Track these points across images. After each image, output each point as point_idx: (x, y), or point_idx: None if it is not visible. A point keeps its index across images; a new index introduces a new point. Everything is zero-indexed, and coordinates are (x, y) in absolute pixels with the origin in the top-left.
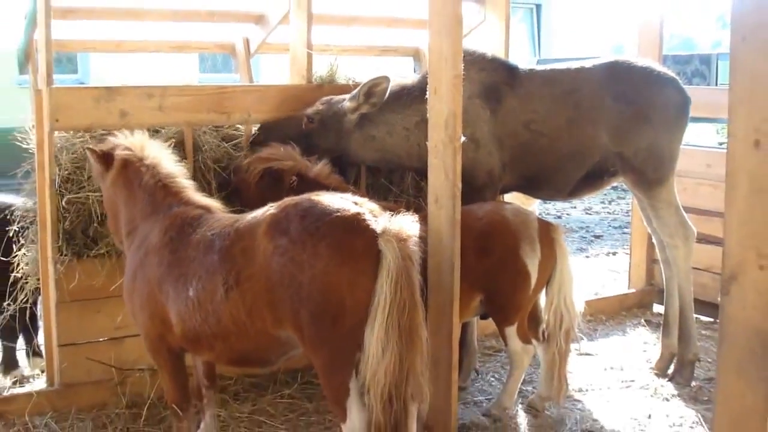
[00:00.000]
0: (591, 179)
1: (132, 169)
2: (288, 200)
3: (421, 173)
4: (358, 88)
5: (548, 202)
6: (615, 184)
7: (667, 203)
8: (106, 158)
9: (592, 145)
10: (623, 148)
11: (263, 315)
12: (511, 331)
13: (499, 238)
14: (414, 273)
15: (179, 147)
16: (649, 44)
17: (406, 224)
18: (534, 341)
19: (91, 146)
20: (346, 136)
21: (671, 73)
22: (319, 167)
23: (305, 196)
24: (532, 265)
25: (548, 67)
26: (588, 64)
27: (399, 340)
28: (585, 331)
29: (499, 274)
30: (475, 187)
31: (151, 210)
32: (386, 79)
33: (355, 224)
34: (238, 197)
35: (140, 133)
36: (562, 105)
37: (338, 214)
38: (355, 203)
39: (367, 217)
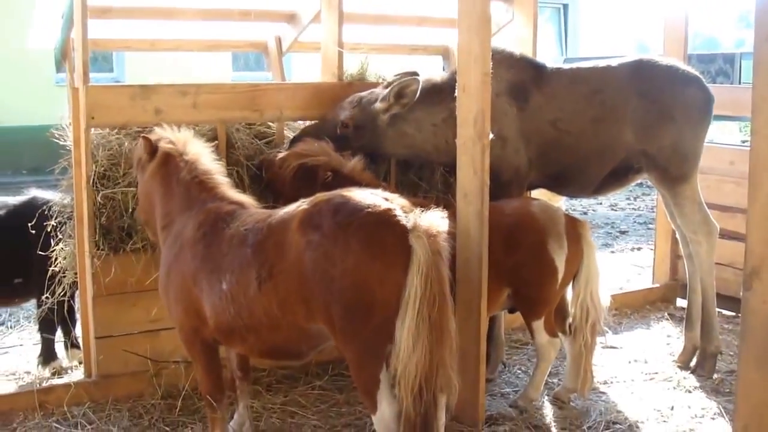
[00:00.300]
0: (616, 176)
1: (172, 164)
2: (320, 196)
3: (449, 168)
4: (388, 90)
5: (574, 198)
6: (640, 181)
7: (690, 200)
8: (153, 148)
9: (617, 143)
10: (647, 145)
11: (295, 308)
12: (538, 324)
13: (526, 234)
14: (444, 268)
15: (213, 144)
16: (674, 43)
17: (436, 220)
18: (560, 334)
19: (145, 135)
20: (379, 135)
21: (695, 72)
22: (353, 163)
23: (337, 191)
24: (559, 260)
25: (574, 65)
26: (613, 62)
27: (429, 333)
28: (610, 324)
29: (526, 269)
30: (501, 184)
31: (186, 205)
32: (416, 80)
33: (386, 220)
34: (271, 192)
35: (185, 130)
36: (587, 103)
37: (370, 209)
38: (386, 199)
39: (398, 212)
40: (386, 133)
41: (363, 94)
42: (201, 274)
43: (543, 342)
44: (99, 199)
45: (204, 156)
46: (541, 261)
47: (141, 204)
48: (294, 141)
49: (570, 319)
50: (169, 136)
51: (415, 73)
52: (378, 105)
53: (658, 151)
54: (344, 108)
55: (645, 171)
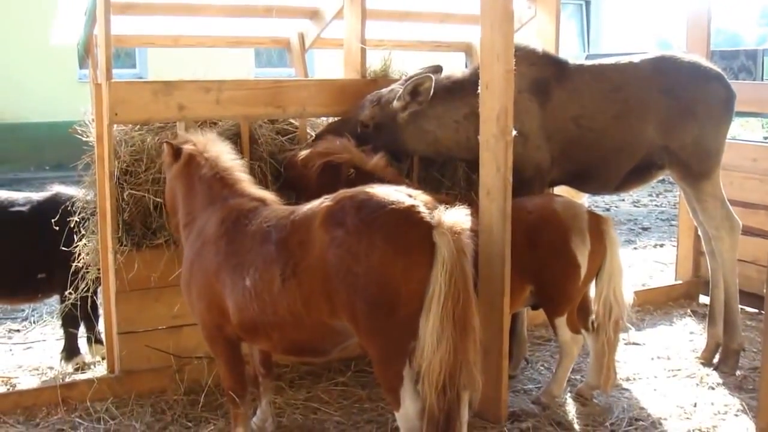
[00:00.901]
0: (638, 173)
1: (194, 163)
2: (343, 192)
3: (471, 164)
4: (402, 89)
5: (596, 195)
6: (662, 177)
7: (712, 196)
8: (176, 152)
9: (639, 139)
10: (669, 142)
11: (319, 305)
12: (561, 321)
13: (549, 231)
14: (467, 265)
15: (235, 140)
16: (697, 40)
17: (460, 217)
18: (583, 331)
19: (168, 140)
20: (399, 132)
21: (717, 69)
22: (376, 160)
23: (360, 188)
24: (582, 257)
25: (596, 62)
26: (635, 59)
27: (453, 330)
28: (633, 321)
29: (549, 266)
30: (523, 180)
31: (208, 202)
32: (429, 78)
33: (409, 216)
34: (294, 190)
35: (209, 131)
36: (610, 100)
37: (393, 206)
38: (410, 195)
39: (422, 209)
40: (407, 131)
41: (383, 91)
42: (224, 271)
43: (566, 339)
44: (122, 195)
45: (225, 154)
46: (563, 258)
47: (166, 203)
48: (316, 138)
49: (593, 316)
50: (192, 138)
51: (437, 68)
52: (395, 104)
53: (680, 148)
54: (365, 107)
55: (667, 167)
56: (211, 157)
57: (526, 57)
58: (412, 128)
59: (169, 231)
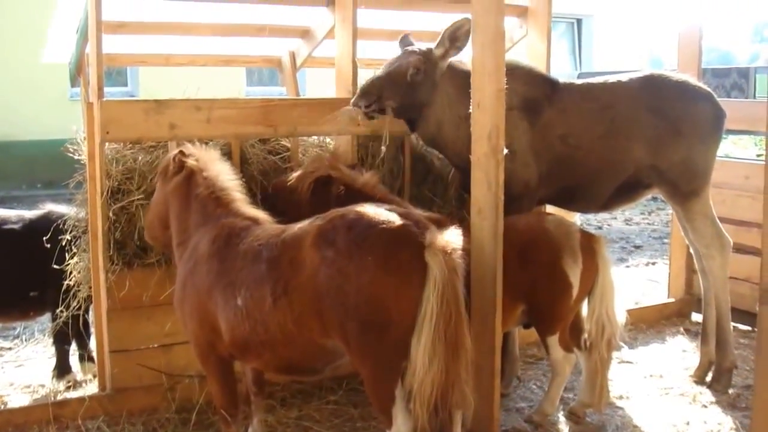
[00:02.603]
0: (625, 191)
1: (193, 180)
2: (334, 212)
3: (460, 171)
4: (442, 33)
5: (583, 213)
6: (654, 196)
7: (702, 215)
8: (181, 165)
9: (627, 158)
10: (657, 161)
11: (310, 324)
12: (553, 340)
13: (540, 250)
14: (459, 285)
15: (226, 159)
16: (688, 58)
17: (452, 237)
18: (575, 350)
19: (181, 149)
20: (432, 90)
21: (706, 88)
22: (366, 177)
23: (351, 207)
24: (574, 276)
25: (586, 81)
26: (624, 78)
27: (445, 350)
28: (625, 339)
29: (541, 285)
30: (512, 197)
31: (202, 221)
32: (468, 20)
33: (401, 236)
34: (288, 216)
35: (213, 148)
36: (597, 119)
37: (384, 225)
38: (401, 215)
39: (413, 228)
40: (436, 92)
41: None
42: (216, 289)
43: (558, 357)
44: (113, 213)
45: (224, 174)
46: (555, 277)
47: (151, 215)
48: (362, 93)
49: (586, 335)
50: (197, 154)
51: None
52: (436, 50)
53: (668, 167)
54: (408, 55)
55: (656, 186)
56: (209, 176)
57: (520, 76)
58: (438, 96)
59: (151, 243)
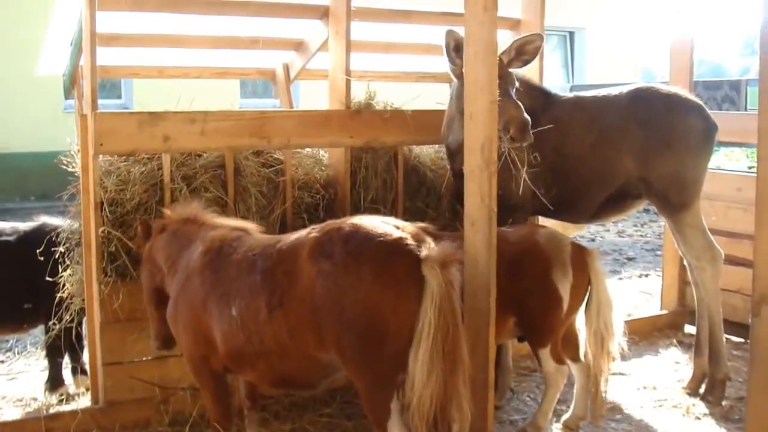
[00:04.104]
0: (614, 202)
1: (166, 223)
2: (330, 223)
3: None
4: (511, 43)
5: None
6: (646, 208)
7: (692, 227)
8: (147, 229)
9: (615, 169)
10: (647, 173)
11: (306, 337)
12: (545, 352)
13: (531, 263)
14: (456, 298)
15: (220, 172)
16: (680, 70)
17: (448, 249)
18: (569, 362)
19: (141, 219)
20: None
21: (696, 100)
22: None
23: (347, 219)
24: (564, 290)
25: (578, 93)
26: (615, 91)
27: (443, 364)
28: (619, 351)
29: (531, 298)
30: (507, 208)
31: (186, 242)
32: (540, 37)
33: (398, 249)
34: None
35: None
36: (587, 130)
37: (381, 238)
38: (397, 227)
39: (410, 241)
40: None
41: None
42: (210, 300)
43: (550, 370)
44: (107, 225)
45: (195, 207)
46: (545, 290)
47: (147, 292)
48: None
49: (584, 349)
50: (164, 213)
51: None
52: (502, 55)
53: (658, 179)
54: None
55: (646, 198)
56: (176, 211)
57: (522, 87)
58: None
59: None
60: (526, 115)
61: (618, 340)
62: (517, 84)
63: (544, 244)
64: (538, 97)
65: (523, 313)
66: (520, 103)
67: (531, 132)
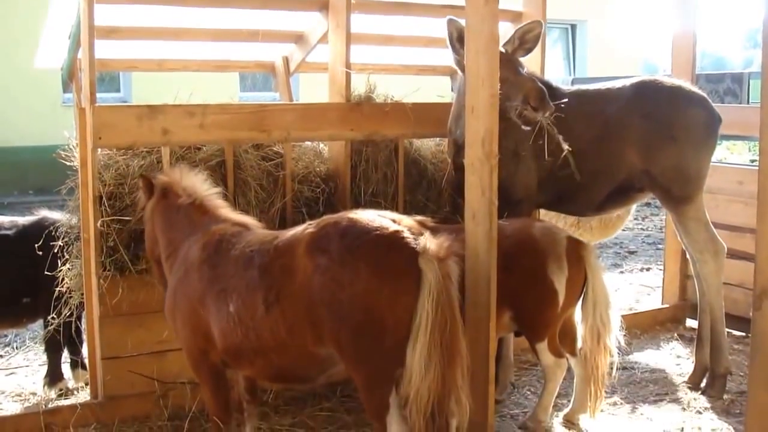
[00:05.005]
0: (618, 195)
1: (171, 194)
2: (327, 218)
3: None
4: (513, 32)
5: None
6: (647, 201)
7: (695, 220)
8: (150, 186)
9: (619, 162)
10: (650, 166)
11: (303, 332)
12: (542, 346)
13: (525, 256)
14: (454, 291)
15: (220, 165)
16: (682, 63)
17: (446, 243)
18: (568, 355)
19: (143, 174)
20: None
21: (700, 93)
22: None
23: (343, 214)
24: (559, 283)
25: (582, 86)
26: (618, 83)
27: (441, 357)
28: (620, 345)
29: (526, 292)
30: (512, 202)
31: (189, 230)
32: (540, 24)
33: (394, 242)
34: None
35: (182, 164)
36: (591, 123)
37: (378, 232)
38: (394, 221)
39: (407, 235)
40: None
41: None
42: (208, 296)
43: (549, 363)
44: (106, 219)
45: (201, 183)
46: (540, 283)
47: (148, 247)
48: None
49: (580, 343)
50: (166, 172)
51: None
52: (505, 46)
53: (661, 172)
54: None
55: (649, 191)
56: (188, 186)
57: None
58: None
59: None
60: (540, 84)
61: (615, 335)
62: (525, 67)
63: (539, 238)
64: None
65: (518, 307)
66: (532, 77)
67: (549, 100)
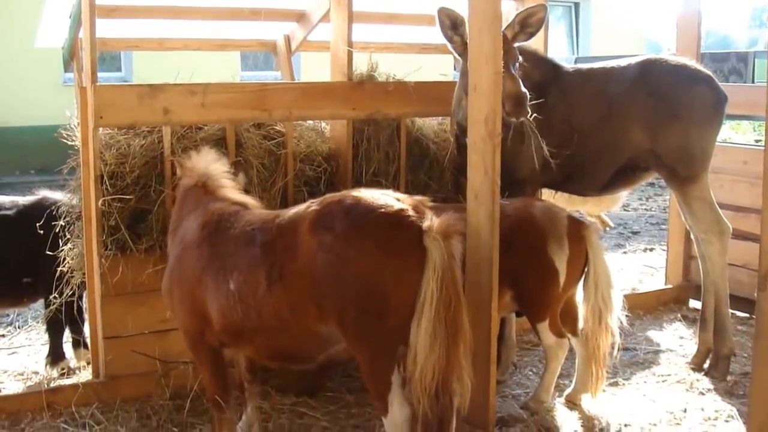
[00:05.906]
0: (623, 175)
1: (185, 176)
2: (330, 196)
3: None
4: (514, 16)
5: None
6: (651, 181)
7: (700, 200)
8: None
9: (624, 141)
10: (655, 145)
11: (307, 310)
12: (543, 326)
13: (526, 236)
14: (458, 269)
15: (221, 144)
16: (687, 42)
17: (450, 221)
18: (569, 335)
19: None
20: None
21: (706, 71)
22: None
23: (347, 192)
24: (560, 263)
25: (587, 65)
26: (623, 62)
27: (445, 335)
28: (622, 326)
29: (526, 272)
30: (516, 181)
31: (192, 208)
32: (543, 8)
33: (399, 220)
34: None
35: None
36: (596, 101)
37: (382, 210)
38: (398, 199)
39: (411, 213)
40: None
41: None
42: (207, 275)
43: (550, 343)
44: (107, 199)
45: (212, 163)
46: (540, 263)
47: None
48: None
49: (582, 323)
50: (192, 156)
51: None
52: (505, 30)
53: (666, 151)
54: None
55: (654, 170)
56: (195, 167)
57: (529, 59)
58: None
59: (154, 233)
60: (522, 89)
61: (617, 315)
62: (520, 59)
63: (540, 217)
64: (547, 70)
65: (519, 287)
66: (518, 78)
67: (528, 106)
